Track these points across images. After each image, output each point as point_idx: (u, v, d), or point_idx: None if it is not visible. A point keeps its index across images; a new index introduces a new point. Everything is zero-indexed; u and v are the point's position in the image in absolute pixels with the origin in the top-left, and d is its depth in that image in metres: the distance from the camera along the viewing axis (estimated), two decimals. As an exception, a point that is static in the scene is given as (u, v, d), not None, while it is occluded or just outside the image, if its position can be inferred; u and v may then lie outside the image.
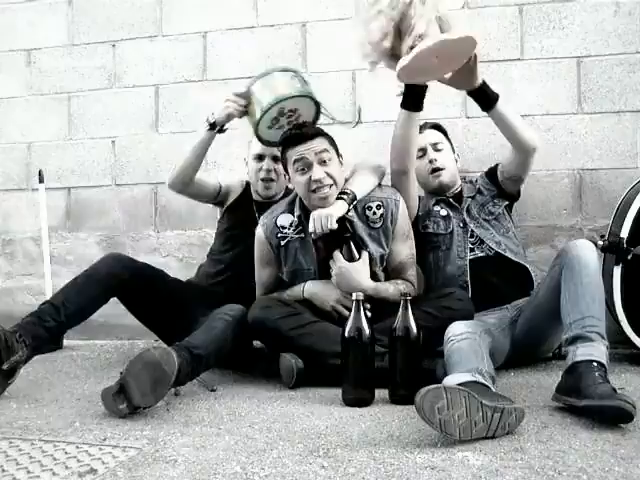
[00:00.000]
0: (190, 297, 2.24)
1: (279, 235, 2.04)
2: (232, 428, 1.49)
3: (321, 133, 1.99)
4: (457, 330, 1.69)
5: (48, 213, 2.91)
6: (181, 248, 2.56)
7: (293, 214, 2.05)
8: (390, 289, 1.99)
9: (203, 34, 2.90)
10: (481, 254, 2.16)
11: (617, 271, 2.14)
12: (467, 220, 2.21)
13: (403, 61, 1.77)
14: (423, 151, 2.27)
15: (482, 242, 2.17)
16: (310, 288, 2.01)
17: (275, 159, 2.25)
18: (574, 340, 1.59)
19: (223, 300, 2.08)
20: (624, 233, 2.13)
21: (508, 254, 2.15)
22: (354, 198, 1.98)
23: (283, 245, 2.04)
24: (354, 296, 1.71)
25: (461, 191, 2.30)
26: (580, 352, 1.55)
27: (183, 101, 2.92)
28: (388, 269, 2.08)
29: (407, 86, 1.98)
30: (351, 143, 2.69)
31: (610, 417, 1.42)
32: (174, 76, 2.93)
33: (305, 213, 2.02)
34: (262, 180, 2.28)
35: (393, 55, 1.85)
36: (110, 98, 3.00)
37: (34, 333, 1.85)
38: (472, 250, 2.17)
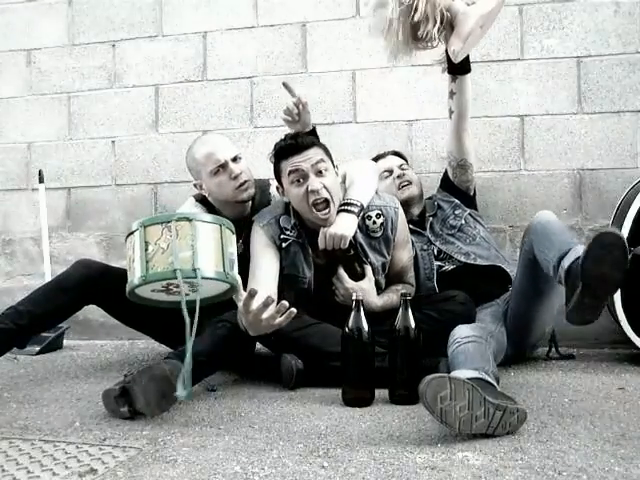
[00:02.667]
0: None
1: (282, 236, 1.98)
2: (232, 428, 1.49)
3: (316, 143, 1.93)
4: (463, 333, 1.69)
5: (48, 213, 2.90)
6: (181, 248, 2.57)
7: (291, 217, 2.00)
8: (394, 300, 1.96)
9: (203, 34, 2.90)
10: (452, 266, 2.21)
11: (617, 271, 2.14)
12: (432, 239, 2.26)
13: (458, 43, 1.86)
14: (390, 171, 2.35)
15: (450, 256, 2.22)
16: None
17: (235, 160, 2.07)
18: (559, 261, 1.66)
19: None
20: (624, 233, 2.13)
21: (478, 262, 2.18)
22: (362, 209, 1.95)
23: (285, 247, 1.98)
24: (354, 296, 1.71)
25: (424, 210, 2.35)
26: (565, 262, 1.63)
27: (183, 101, 2.92)
28: (390, 274, 2.07)
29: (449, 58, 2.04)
30: (350, 143, 2.71)
31: (605, 246, 1.51)
32: (174, 76, 2.93)
33: (300, 221, 1.98)
34: (240, 187, 2.06)
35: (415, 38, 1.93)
36: (110, 98, 3.00)
37: None
38: (441, 267, 2.22)
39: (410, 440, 1.37)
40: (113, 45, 3.00)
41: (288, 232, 1.98)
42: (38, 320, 1.94)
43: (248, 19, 2.85)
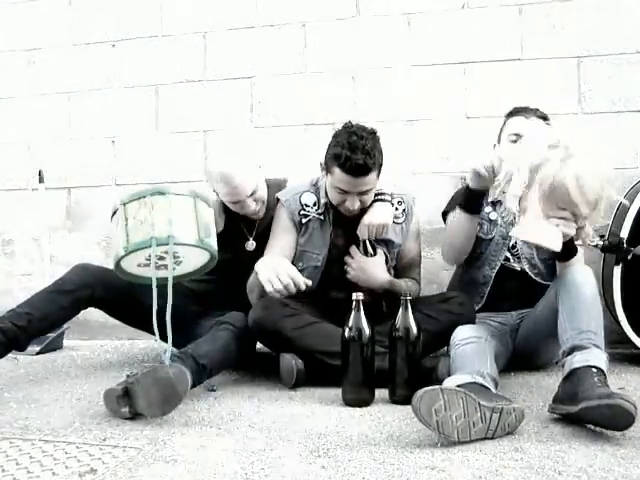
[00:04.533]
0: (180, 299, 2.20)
1: (302, 212, 2.05)
2: (232, 428, 1.49)
3: (376, 165, 1.89)
4: (463, 334, 1.69)
5: (48, 213, 2.91)
6: (181, 248, 2.57)
7: (317, 196, 2.06)
8: (403, 284, 2.01)
9: (203, 34, 2.90)
10: (517, 269, 2.08)
11: (617, 271, 2.14)
12: None
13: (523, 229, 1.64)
14: (518, 137, 1.95)
15: (519, 258, 2.08)
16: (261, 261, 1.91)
17: (253, 194, 2.04)
18: (571, 351, 1.54)
19: (213, 299, 2.12)
20: (624, 233, 2.13)
21: (538, 279, 2.05)
22: (392, 197, 2.04)
23: (304, 223, 2.05)
24: (354, 296, 1.70)
25: None
26: (577, 359, 1.50)
27: (183, 101, 2.92)
28: (397, 267, 2.11)
29: (470, 190, 1.88)
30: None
31: (609, 418, 1.35)
32: (174, 76, 2.93)
33: (331, 202, 2.02)
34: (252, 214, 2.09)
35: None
36: (110, 98, 3.00)
37: None
38: (507, 259, 2.09)
39: (410, 440, 1.37)
40: (113, 45, 3.00)
41: (309, 208, 2.05)
42: (38, 323, 1.94)
43: (248, 19, 2.85)
